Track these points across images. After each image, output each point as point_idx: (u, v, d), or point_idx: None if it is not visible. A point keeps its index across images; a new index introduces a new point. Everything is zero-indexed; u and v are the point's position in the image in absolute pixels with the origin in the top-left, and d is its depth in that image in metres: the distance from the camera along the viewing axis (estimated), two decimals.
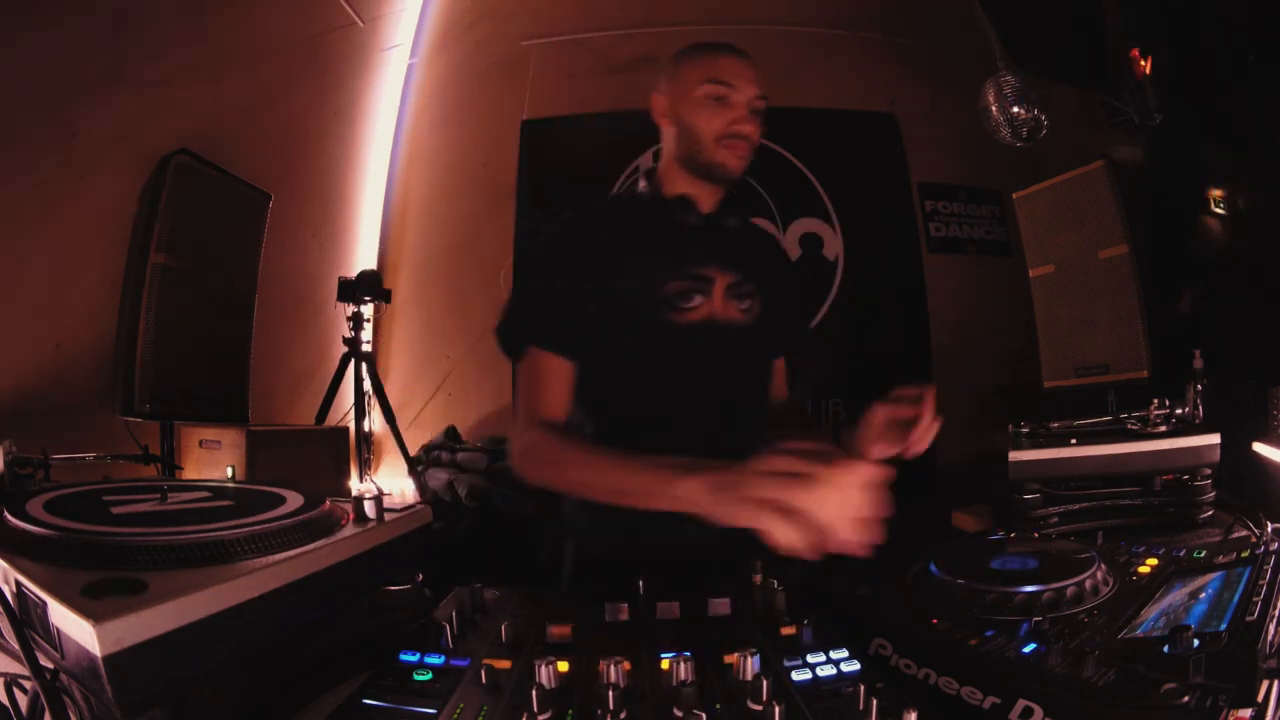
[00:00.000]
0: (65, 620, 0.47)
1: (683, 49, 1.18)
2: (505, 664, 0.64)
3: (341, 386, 3.18)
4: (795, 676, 0.61)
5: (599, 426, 1.16)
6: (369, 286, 3.19)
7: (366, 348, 3.23)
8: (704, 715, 0.52)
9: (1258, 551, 0.84)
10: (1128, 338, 2.62)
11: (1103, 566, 0.82)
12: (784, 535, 0.64)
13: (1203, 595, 0.75)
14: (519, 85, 3.73)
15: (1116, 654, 0.63)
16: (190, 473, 2.38)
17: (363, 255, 3.83)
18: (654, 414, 1.14)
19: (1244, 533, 1.00)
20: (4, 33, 1.92)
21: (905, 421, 0.99)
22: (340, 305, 3.17)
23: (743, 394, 1.22)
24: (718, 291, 1.17)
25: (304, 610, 0.64)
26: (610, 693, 0.54)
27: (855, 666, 0.62)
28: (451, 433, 3.54)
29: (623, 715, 0.53)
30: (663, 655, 0.64)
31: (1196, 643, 0.59)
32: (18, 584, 0.53)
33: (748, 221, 1.29)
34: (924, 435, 0.98)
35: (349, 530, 0.72)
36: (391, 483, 3.44)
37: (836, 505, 0.63)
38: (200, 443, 2.43)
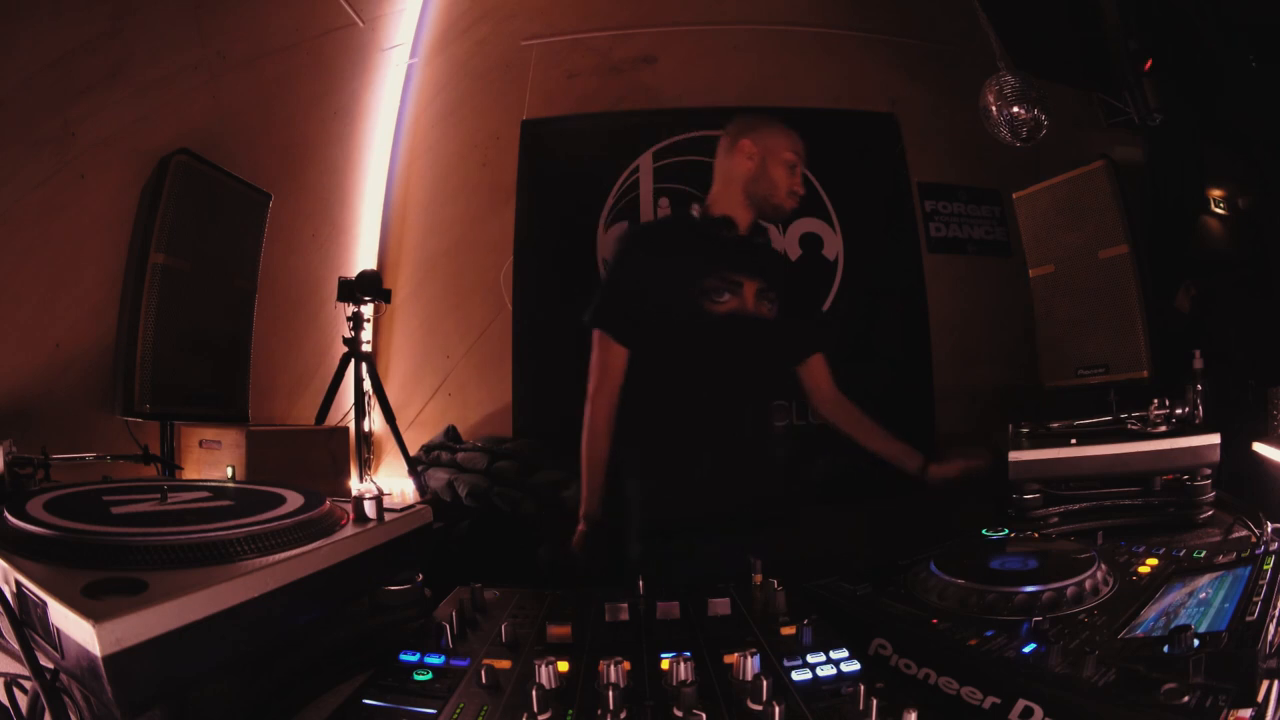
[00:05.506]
0: (65, 620, 0.47)
1: (768, 120, 1.62)
2: (505, 664, 0.64)
3: (341, 386, 3.17)
4: (795, 676, 0.61)
5: (638, 404, 1.47)
6: (369, 286, 3.18)
7: (366, 348, 3.23)
8: (704, 715, 0.52)
9: (1258, 551, 0.84)
10: (1128, 337, 2.62)
11: (1103, 566, 0.82)
12: None
13: (1203, 595, 0.75)
14: (519, 85, 3.72)
15: (1116, 654, 0.63)
16: (190, 473, 2.37)
17: (363, 255, 3.83)
18: (686, 391, 1.47)
19: (1244, 533, 1.00)
20: (4, 32, 1.92)
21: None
22: (340, 305, 3.17)
23: (765, 376, 1.57)
24: (748, 293, 1.52)
25: (304, 610, 0.64)
26: (610, 693, 0.54)
27: (855, 666, 0.62)
28: (451, 433, 3.54)
29: (623, 715, 0.53)
30: (663, 655, 0.64)
31: (1196, 643, 0.59)
32: (18, 584, 0.53)
33: (768, 241, 1.71)
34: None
35: (349, 530, 0.72)
36: (391, 483, 3.44)
37: None
38: (200, 443, 2.43)
